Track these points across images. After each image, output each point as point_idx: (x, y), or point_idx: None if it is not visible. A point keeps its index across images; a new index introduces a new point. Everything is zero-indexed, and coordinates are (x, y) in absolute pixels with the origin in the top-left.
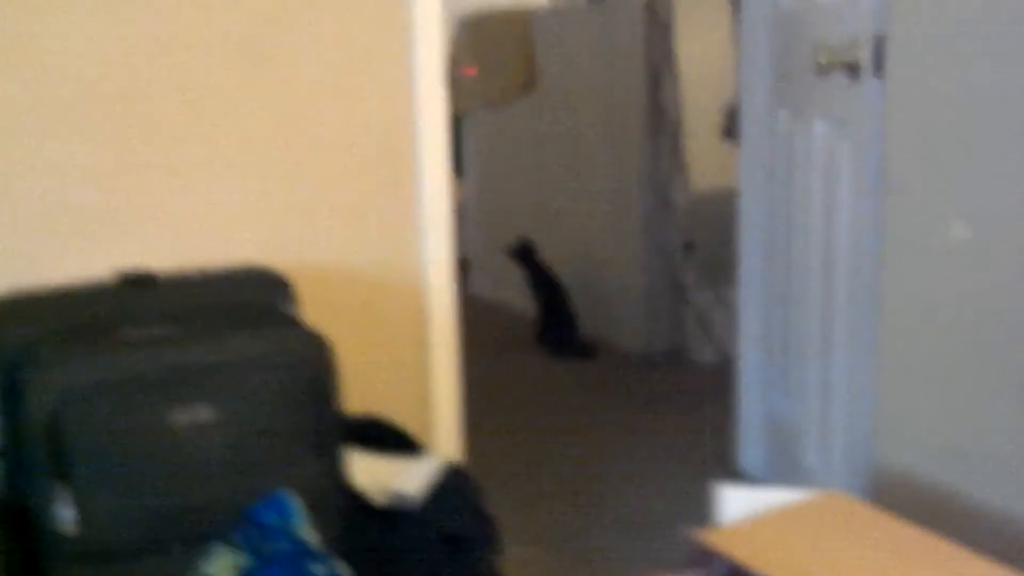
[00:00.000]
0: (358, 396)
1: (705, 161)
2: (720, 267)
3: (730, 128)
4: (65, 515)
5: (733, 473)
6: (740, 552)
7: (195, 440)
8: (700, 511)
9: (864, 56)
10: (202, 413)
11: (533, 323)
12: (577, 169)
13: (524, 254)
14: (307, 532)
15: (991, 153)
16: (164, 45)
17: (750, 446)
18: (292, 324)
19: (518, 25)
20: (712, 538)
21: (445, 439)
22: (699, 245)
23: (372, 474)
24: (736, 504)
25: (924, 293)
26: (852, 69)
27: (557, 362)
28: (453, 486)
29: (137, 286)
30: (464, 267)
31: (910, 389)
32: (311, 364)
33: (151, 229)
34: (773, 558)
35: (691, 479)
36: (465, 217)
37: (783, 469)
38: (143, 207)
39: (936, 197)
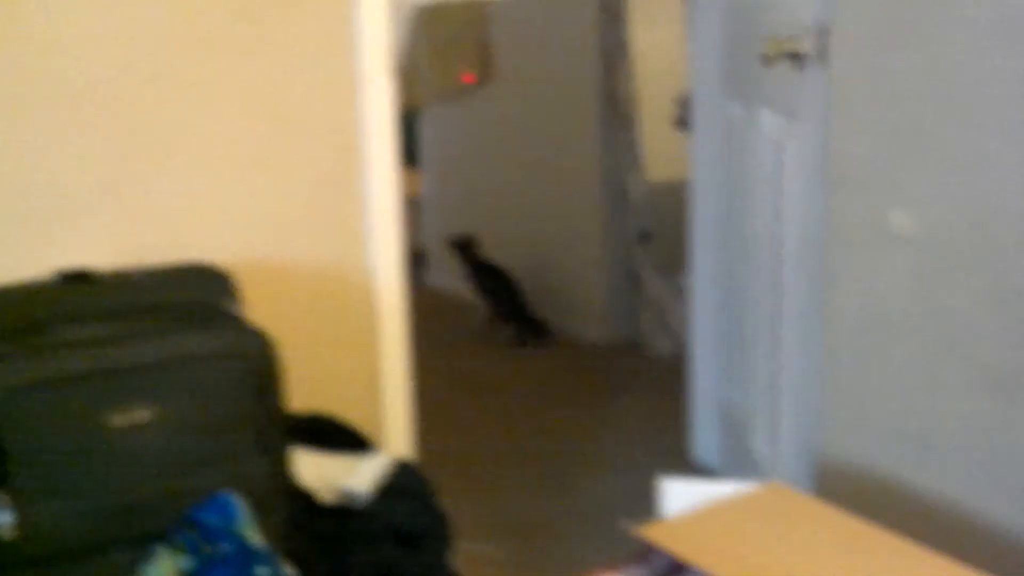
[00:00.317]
0: (308, 394)
1: (661, 151)
2: (676, 257)
3: (684, 118)
4: (2, 519)
5: (688, 463)
6: (679, 546)
7: (135, 440)
8: (654, 503)
9: (809, 46)
10: (142, 413)
11: (483, 316)
12: (533, 160)
13: (462, 248)
14: (251, 533)
15: (933, 143)
16: (98, 39)
17: (704, 436)
18: (234, 322)
19: (472, 16)
20: (652, 532)
21: (396, 435)
22: (655, 235)
23: (320, 472)
24: (680, 497)
25: (869, 282)
26: (797, 59)
27: (514, 353)
28: (403, 483)
29: (76, 284)
30: (420, 260)
31: (856, 379)
32: (253, 362)
33: (91, 226)
34: (712, 552)
35: (648, 470)
36: (421, 209)
37: (736, 459)
38: (82, 204)
39: (879, 187)
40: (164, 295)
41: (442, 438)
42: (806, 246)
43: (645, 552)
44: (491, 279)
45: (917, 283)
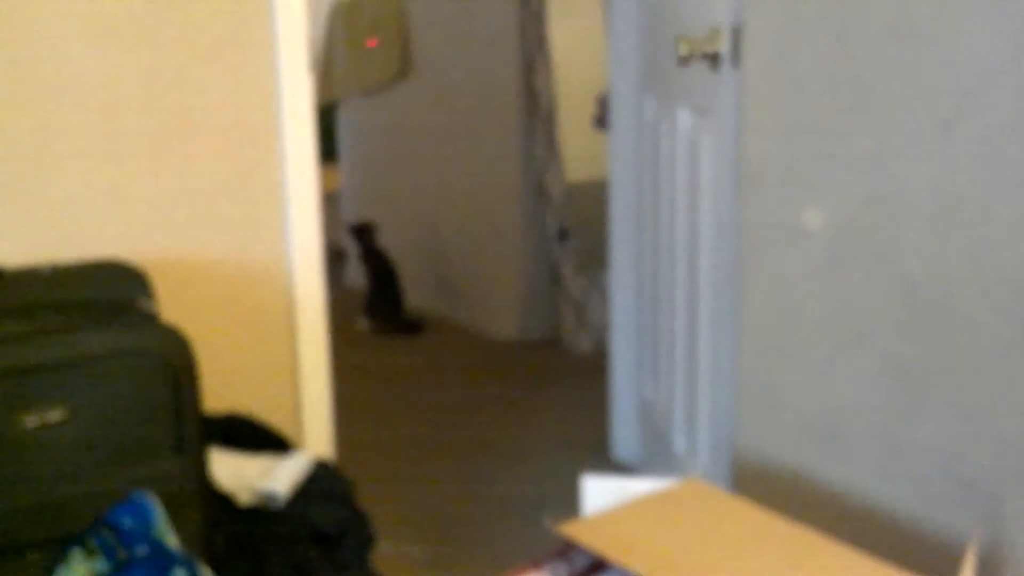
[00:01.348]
0: (226, 393)
1: (581, 150)
2: (596, 255)
3: (603, 118)
4: None
5: (610, 461)
6: (599, 543)
7: (46, 440)
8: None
9: (724, 46)
10: (53, 412)
11: (362, 298)
12: (452, 157)
13: (360, 233)
14: (167, 535)
15: (840, 141)
16: (15, 26)
17: (624, 432)
18: (147, 319)
19: (392, 9)
20: (573, 529)
21: (316, 434)
22: (576, 233)
23: (238, 473)
24: (600, 494)
25: (778, 277)
26: (712, 59)
27: (434, 350)
28: (321, 482)
29: None
30: (338, 257)
31: (767, 373)
32: (167, 360)
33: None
34: (631, 548)
35: (569, 466)
36: (339, 205)
37: (656, 455)
38: None
39: (788, 184)
40: (76, 292)
41: (360, 437)
42: (720, 242)
43: (567, 549)
44: (376, 267)
45: (825, 278)
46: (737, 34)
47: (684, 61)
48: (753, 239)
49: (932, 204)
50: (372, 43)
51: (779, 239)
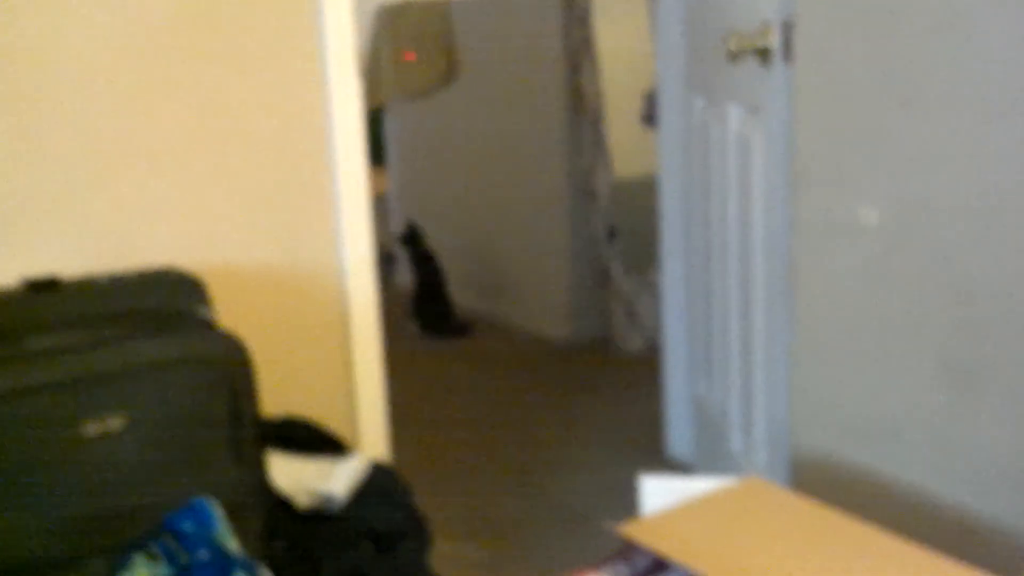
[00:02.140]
0: (281, 398)
1: (628, 147)
2: (645, 254)
3: (651, 114)
4: None
5: (664, 461)
6: (660, 543)
7: (107, 448)
8: (632, 501)
9: (774, 41)
10: (113, 421)
11: (410, 300)
12: (499, 158)
13: (409, 238)
14: (228, 539)
15: (894, 138)
16: (67, 35)
17: (679, 433)
18: (204, 327)
19: (438, 14)
20: (633, 530)
21: (372, 437)
22: (624, 232)
23: (295, 477)
24: (659, 494)
25: (833, 276)
26: (763, 55)
27: (485, 353)
28: (379, 484)
29: (42, 292)
30: (388, 260)
31: (823, 372)
32: (225, 367)
33: (56, 231)
34: (693, 548)
35: (624, 468)
36: (388, 209)
37: (711, 454)
38: (48, 208)
39: (842, 181)
40: (133, 301)
41: (416, 439)
42: (772, 241)
43: (627, 550)
44: (425, 271)
45: (878, 277)
46: (788, 29)
47: (733, 57)
48: (806, 238)
49: (984, 201)
50: (410, 57)
51: (832, 238)
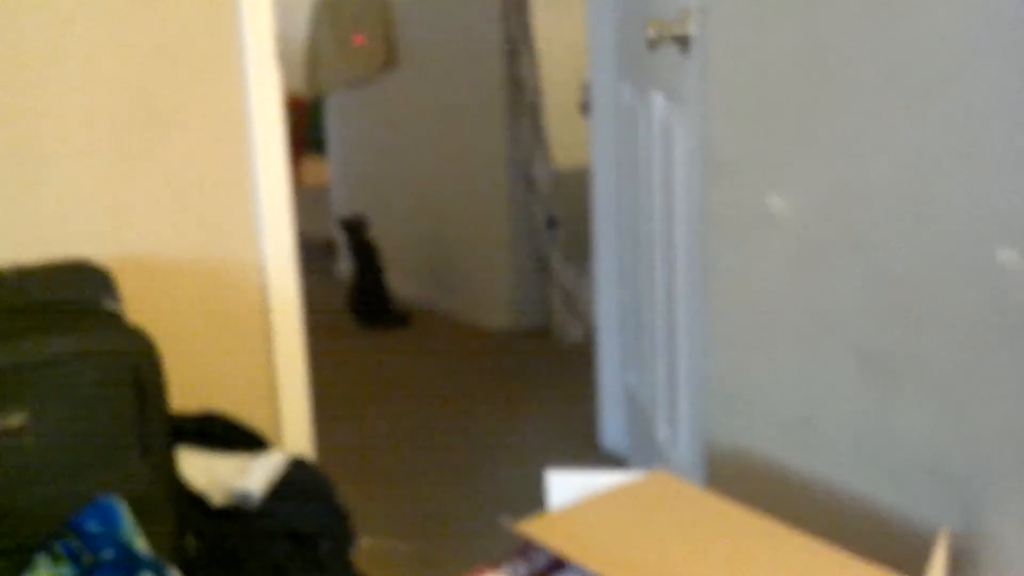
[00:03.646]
0: (203, 393)
1: (567, 137)
2: (584, 243)
3: (588, 104)
4: None
5: (598, 451)
6: (558, 541)
7: (8, 446)
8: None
9: (691, 28)
10: (14, 417)
11: (347, 291)
12: (439, 147)
13: (350, 226)
14: (134, 539)
15: (808, 126)
16: None
17: (612, 423)
18: (111, 321)
19: (376, 2)
20: (532, 527)
21: (295, 432)
22: (564, 222)
23: (211, 474)
24: (566, 489)
25: (747, 267)
26: (682, 42)
27: (421, 341)
28: (298, 480)
29: None
30: (330, 250)
31: (738, 363)
32: (131, 361)
33: None
34: (590, 546)
35: (559, 459)
36: (329, 198)
37: (643, 445)
38: None
39: (756, 171)
40: (39, 294)
41: (349, 431)
42: (692, 230)
43: (526, 547)
44: (364, 261)
45: (794, 268)
46: (706, 14)
47: (653, 44)
48: (722, 228)
49: (905, 190)
50: (359, 40)
51: (748, 228)
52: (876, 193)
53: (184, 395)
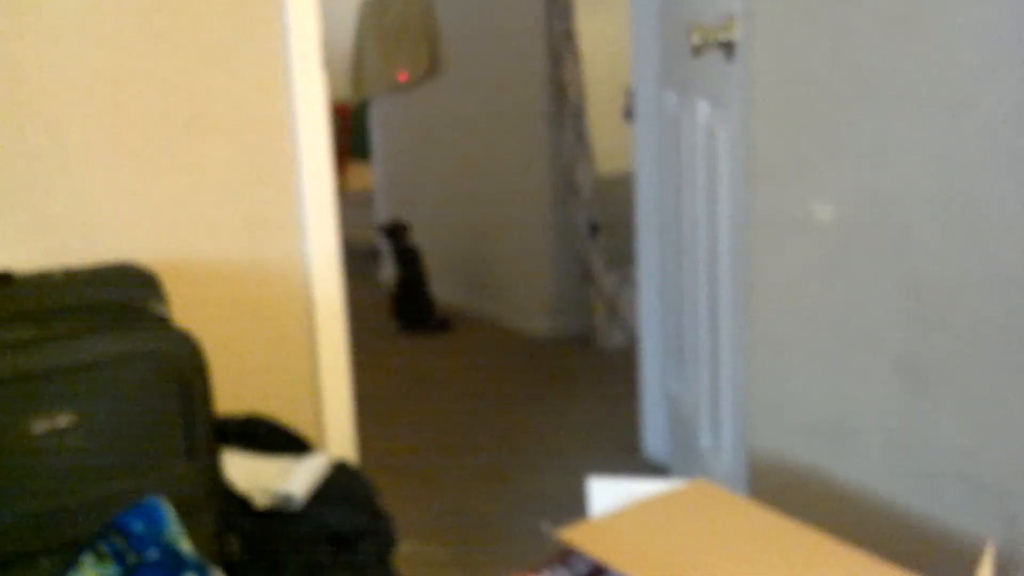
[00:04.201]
0: (246, 395)
1: (611, 143)
2: (628, 250)
3: (632, 110)
4: None
5: (640, 458)
6: (599, 548)
7: (56, 446)
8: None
9: (738, 34)
10: (63, 417)
11: (389, 296)
12: (482, 152)
13: (392, 232)
14: (179, 539)
15: (848, 132)
16: (29, 27)
17: (654, 431)
18: (157, 323)
19: (421, 7)
20: (573, 534)
21: (337, 435)
22: (606, 227)
23: (254, 476)
24: (607, 496)
25: (788, 273)
26: (727, 48)
27: (464, 348)
28: (340, 483)
29: None
30: (372, 256)
31: (779, 370)
32: (177, 363)
33: (12, 225)
34: (631, 553)
35: (600, 465)
36: (373, 203)
37: (685, 453)
38: (3, 201)
39: (797, 176)
40: (86, 296)
41: (391, 436)
42: (736, 237)
43: (566, 553)
44: (407, 267)
45: (833, 274)
46: (749, 20)
47: (698, 51)
48: (763, 234)
49: (939, 196)
50: (403, 78)
51: (787, 233)
52: (913, 199)
53: (228, 397)
